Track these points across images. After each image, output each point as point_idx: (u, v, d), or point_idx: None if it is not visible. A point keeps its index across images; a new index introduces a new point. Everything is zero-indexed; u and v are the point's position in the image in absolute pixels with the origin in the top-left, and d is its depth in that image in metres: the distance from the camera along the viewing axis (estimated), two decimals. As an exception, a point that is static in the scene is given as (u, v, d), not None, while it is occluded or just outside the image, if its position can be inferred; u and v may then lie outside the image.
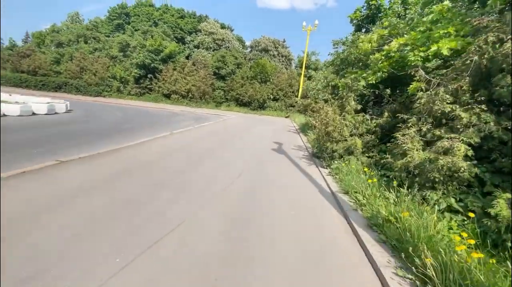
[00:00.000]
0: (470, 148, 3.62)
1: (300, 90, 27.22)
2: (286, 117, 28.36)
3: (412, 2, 11.96)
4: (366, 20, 13.35)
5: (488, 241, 2.86)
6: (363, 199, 4.23)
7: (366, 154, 6.29)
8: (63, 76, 33.15)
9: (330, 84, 10.48)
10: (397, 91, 6.77)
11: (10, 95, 15.16)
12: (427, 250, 2.39)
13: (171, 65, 31.96)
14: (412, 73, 4.81)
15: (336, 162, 6.40)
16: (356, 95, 7.40)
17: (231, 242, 3.03)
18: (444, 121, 4.27)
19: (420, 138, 4.30)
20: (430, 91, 4.41)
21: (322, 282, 2.50)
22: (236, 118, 21.90)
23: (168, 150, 7.47)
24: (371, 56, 6.49)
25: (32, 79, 32.19)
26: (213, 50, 37.19)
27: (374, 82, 6.41)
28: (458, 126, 3.83)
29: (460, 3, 6.77)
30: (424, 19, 6.40)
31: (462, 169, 3.40)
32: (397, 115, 5.33)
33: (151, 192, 4.22)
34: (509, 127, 3.58)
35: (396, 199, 3.93)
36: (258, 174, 5.99)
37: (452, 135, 3.66)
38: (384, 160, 4.90)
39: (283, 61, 40.11)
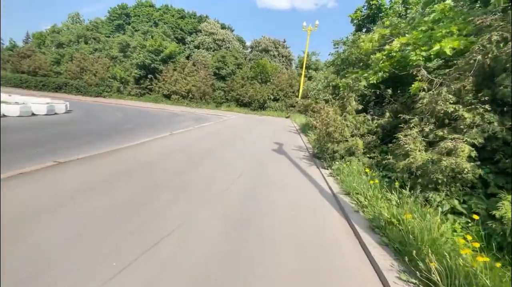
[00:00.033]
0: (473, 149, 3.57)
1: (301, 90, 27.18)
2: (287, 117, 28.30)
3: (413, 1, 11.90)
4: (367, 20, 13.30)
5: (493, 244, 2.80)
6: (365, 201, 4.18)
7: (368, 155, 6.23)
8: (63, 76, 33.14)
9: (330, 84, 10.42)
10: (398, 91, 6.71)
11: (10, 95, 15.13)
12: (432, 254, 2.33)
13: (171, 65, 31.92)
14: (414, 73, 4.76)
15: (337, 163, 6.34)
16: (357, 95, 7.34)
17: (231, 243, 3.01)
18: (446, 121, 4.21)
19: (423, 138, 4.25)
20: (433, 91, 4.35)
21: (323, 286, 2.44)
22: (237, 119, 21.85)
23: (168, 150, 7.43)
24: (372, 56, 6.43)
25: (32, 79, 32.18)
26: (213, 51, 37.16)
27: (375, 82, 6.35)
28: (462, 127, 3.78)
29: (462, 3, 6.72)
30: (426, 18, 6.35)
31: (466, 170, 3.34)
32: (399, 115, 5.28)
33: (151, 193, 4.19)
34: (513, 128, 3.52)
35: (398, 201, 3.88)
36: (258, 175, 5.93)
37: (456, 136, 3.60)
38: (386, 161, 4.84)
39: (283, 61, 40.08)
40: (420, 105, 4.41)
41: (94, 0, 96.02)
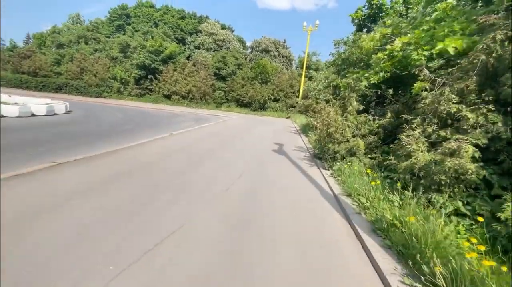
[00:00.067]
0: (477, 149, 3.51)
1: (301, 90, 27.14)
2: (287, 117, 28.24)
3: (414, 1, 11.85)
4: (368, 20, 13.24)
5: (498, 247, 2.74)
6: (367, 202, 4.12)
7: (369, 156, 6.18)
8: (63, 77, 33.17)
9: (331, 84, 10.37)
10: (400, 91, 6.65)
11: (10, 96, 15.11)
12: (436, 258, 2.27)
13: (171, 65, 31.91)
14: (416, 73, 4.70)
15: (338, 163, 6.28)
16: (358, 95, 7.29)
17: (232, 243, 3.00)
18: (449, 121, 4.16)
19: (425, 139, 4.19)
20: (435, 91, 4.30)
21: (325, 290, 2.39)
22: (237, 119, 21.81)
23: (168, 151, 7.39)
24: (373, 55, 6.38)
25: (32, 80, 32.21)
26: (213, 51, 37.14)
27: (376, 82, 6.29)
28: (465, 127, 3.72)
29: (463, 2, 6.66)
30: (427, 18, 6.30)
31: (470, 171, 3.28)
32: (400, 115, 5.22)
33: (151, 193, 4.17)
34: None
35: (401, 202, 3.82)
36: (258, 175, 5.89)
37: (459, 136, 3.54)
38: (388, 161, 4.78)
39: (283, 61, 40.04)
40: (423, 105, 4.35)
41: (95, 0, 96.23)
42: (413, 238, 2.85)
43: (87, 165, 5.28)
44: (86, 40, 37.28)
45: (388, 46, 5.79)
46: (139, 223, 3.20)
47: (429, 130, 4.10)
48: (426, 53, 4.99)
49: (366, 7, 13.69)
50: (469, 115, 3.65)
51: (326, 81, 12.97)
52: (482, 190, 3.60)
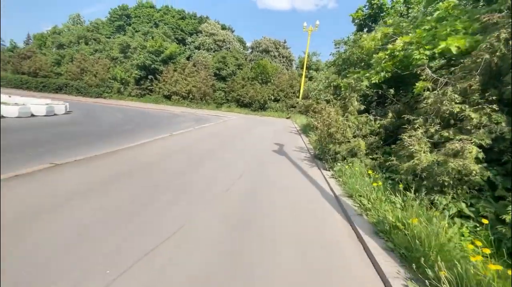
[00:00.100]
0: (481, 150, 3.46)
1: (301, 90, 27.09)
2: (287, 118, 28.19)
3: (414, 1, 11.80)
4: (368, 20, 13.19)
5: (504, 249, 2.69)
6: (368, 204, 4.06)
7: (370, 156, 6.12)
8: (63, 77, 33.15)
9: (332, 84, 10.31)
10: (401, 91, 6.60)
11: (10, 96, 15.07)
12: (441, 261, 2.21)
13: (171, 66, 31.88)
14: (418, 72, 4.65)
15: (339, 164, 6.23)
16: (359, 96, 7.23)
17: (232, 244, 2.99)
18: (452, 122, 4.10)
19: (427, 139, 4.13)
20: (437, 91, 4.24)
21: (327, 294, 2.34)
22: (237, 119, 21.76)
23: (168, 151, 7.35)
24: (374, 55, 6.32)
25: (32, 80, 32.20)
26: (213, 51, 37.11)
27: (377, 81, 6.24)
28: (468, 127, 3.66)
29: (465, 1, 6.61)
30: (429, 18, 6.24)
31: (474, 172, 3.22)
32: (402, 115, 5.16)
33: (151, 194, 4.15)
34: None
35: (403, 204, 3.77)
36: (259, 176, 5.84)
37: (463, 137, 3.49)
38: (389, 162, 4.72)
39: (284, 62, 40.00)
40: (425, 105, 4.30)
41: (95, 1, 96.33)
42: (416, 241, 2.79)
43: (87, 166, 5.24)
44: (86, 41, 37.27)
45: (390, 46, 5.74)
46: (139, 223, 3.19)
47: (432, 130, 4.04)
48: (428, 52, 4.94)
49: (366, 7, 13.65)
50: (473, 115, 3.59)
51: (327, 81, 12.92)
52: (486, 191, 3.54)
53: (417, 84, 4.60)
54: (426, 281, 2.26)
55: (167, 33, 36.51)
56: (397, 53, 5.69)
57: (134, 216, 3.34)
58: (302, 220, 3.80)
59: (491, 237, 2.88)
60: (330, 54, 25.51)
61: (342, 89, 7.81)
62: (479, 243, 2.50)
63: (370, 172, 5.14)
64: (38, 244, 2.57)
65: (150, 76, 31.81)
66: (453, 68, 4.30)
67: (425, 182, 3.84)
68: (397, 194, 3.99)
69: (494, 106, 3.62)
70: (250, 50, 41.91)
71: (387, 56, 5.93)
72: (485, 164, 3.51)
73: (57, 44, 38.17)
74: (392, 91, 6.31)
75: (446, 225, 2.90)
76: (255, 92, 30.33)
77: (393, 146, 5.12)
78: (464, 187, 3.51)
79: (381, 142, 6.19)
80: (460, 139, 3.48)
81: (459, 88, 3.94)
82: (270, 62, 34.84)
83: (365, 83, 6.58)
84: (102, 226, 3.03)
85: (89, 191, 4.02)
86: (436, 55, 4.96)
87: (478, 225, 3.19)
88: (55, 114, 13.32)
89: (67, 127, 10.46)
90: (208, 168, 6.10)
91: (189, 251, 2.73)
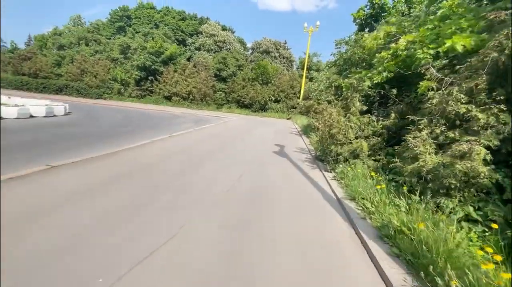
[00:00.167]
0: (488, 151, 3.34)
1: (302, 91, 26.99)
2: (288, 118, 28.08)
3: (416, 0, 11.70)
4: (370, 19, 13.09)
5: (515, 256, 2.57)
6: (372, 207, 3.94)
7: (373, 157, 6.00)
8: (64, 78, 33.11)
9: (333, 84, 10.21)
10: (403, 91, 6.49)
11: (10, 97, 15.01)
12: (451, 270, 2.10)
13: (172, 67, 31.81)
14: (422, 71, 4.54)
15: (341, 165, 6.11)
16: (361, 96, 7.12)
17: (232, 245, 2.96)
18: (458, 122, 3.99)
19: (432, 141, 4.02)
20: (442, 91, 4.13)
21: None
22: (237, 120, 21.67)
23: (167, 152, 7.27)
24: (376, 54, 6.21)
25: (33, 81, 32.17)
26: (214, 52, 37.07)
27: (380, 81, 6.13)
28: (475, 128, 3.55)
29: (467, 0, 6.50)
30: (432, 17, 6.13)
31: (483, 174, 3.11)
32: (405, 116, 5.05)
33: (149, 196, 4.08)
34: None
35: (407, 207, 3.65)
36: (259, 177, 5.74)
37: (471, 138, 3.37)
38: (393, 164, 4.60)
39: (284, 62, 39.93)
40: (430, 105, 4.18)
41: (96, 2, 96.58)
42: (423, 246, 2.67)
43: (84, 168, 5.15)
44: (86, 42, 37.26)
45: (392, 45, 5.63)
46: (139, 224, 3.17)
47: (437, 131, 3.93)
48: (432, 51, 4.82)
49: (368, 7, 13.56)
50: (480, 115, 3.48)
51: (328, 81, 12.81)
52: (494, 194, 3.42)
53: (421, 83, 4.48)
54: (435, 290, 2.15)
55: (167, 34, 36.48)
56: (400, 52, 5.58)
57: (134, 217, 3.32)
58: (303, 223, 3.71)
59: (501, 243, 2.76)
60: (331, 54, 25.43)
61: (344, 89, 7.71)
62: (489, 250, 2.39)
63: (373, 174, 5.02)
64: (36, 246, 2.53)
65: (150, 77, 31.75)
66: (458, 67, 4.18)
67: (430, 185, 3.73)
68: (401, 197, 3.88)
69: (502, 106, 3.51)
70: (250, 51, 41.87)
71: (389, 56, 5.82)
72: (493, 166, 3.39)
73: (57, 45, 38.18)
74: (394, 91, 6.20)
75: (454, 230, 2.78)
76: (255, 93, 30.24)
77: (396, 147, 5.01)
78: (472, 190, 3.39)
79: (384, 143, 6.08)
80: (468, 140, 3.37)
81: (464, 87, 3.83)
82: (271, 63, 34.77)
83: (367, 83, 6.46)
84: (102, 226, 3.01)
85: (87, 193, 3.95)
86: (441, 54, 4.84)
87: (486, 229, 3.08)
88: (54, 115, 13.24)
89: (66, 128, 10.37)
90: (208, 169, 6.02)
91: (189, 252, 2.72)
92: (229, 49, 37.88)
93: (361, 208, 4.12)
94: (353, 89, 7.02)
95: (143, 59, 30.67)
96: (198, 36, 39.25)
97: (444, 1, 5.78)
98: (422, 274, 2.31)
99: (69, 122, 12.11)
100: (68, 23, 45.67)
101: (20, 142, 7.18)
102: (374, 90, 7.10)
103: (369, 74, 6.49)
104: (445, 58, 5.55)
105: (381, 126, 6.24)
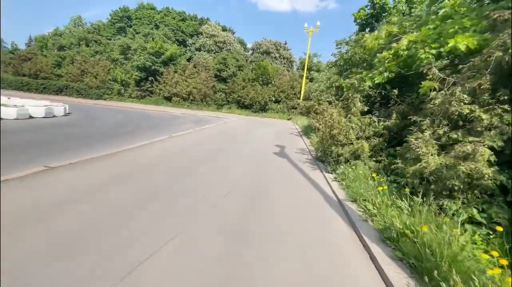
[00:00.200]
0: (492, 152, 3.29)
1: (302, 92, 26.94)
2: (288, 119, 28.02)
3: (417, 0, 11.65)
4: (371, 19, 13.04)
5: (521, 259, 2.51)
6: (373, 209, 3.89)
7: (374, 158, 5.94)
8: (64, 79, 33.09)
9: (333, 85, 10.15)
10: (404, 91, 6.43)
11: (9, 98, 14.97)
12: (456, 274, 2.04)
13: (172, 67, 31.77)
14: (424, 71, 4.48)
15: (341, 166, 6.05)
16: (362, 96, 7.06)
17: (232, 246, 2.94)
18: (460, 123, 3.93)
19: (435, 142, 3.96)
20: (445, 91, 4.07)
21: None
22: (238, 121, 21.62)
23: (167, 153, 7.23)
24: (378, 54, 6.15)
25: (33, 82, 32.14)
26: (214, 53, 37.04)
27: (381, 82, 6.07)
28: (478, 128, 3.49)
29: (469, 0, 6.44)
30: (433, 17, 6.08)
31: (487, 176, 3.05)
32: (407, 117, 4.99)
33: (150, 196, 4.06)
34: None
35: (410, 209, 3.59)
36: (259, 178, 5.68)
37: (475, 139, 3.31)
38: (395, 165, 4.54)
39: (284, 63, 39.89)
40: (432, 105, 4.12)
41: (97, 3, 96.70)
42: (427, 250, 2.62)
43: (82, 169, 5.10)
44: (87, 42, 37.24)
45: (394, 45, 5.57)
46: (138, 226, 3.15)
47: (440, 132, 3.87)
48: (434, 51, 4.76)
49: (368, 7, 13.51)
50: (483, 116, 3.42)
51: (328, 82, 12.76)
52: (498, 196, 3.37)
53: (423, 83, 4.42)
54: (440, 296, 2.09)
55: (167, 34, 36.46)
56: (401, 52, 5.52)
57: (132, 219, 3.30)
58: (304, 225, 3.66)
59: (507, 246, 2.70)
60: (331, 55, 25.38)
61: (345, 89, 7.64)
62: (495, 253, 2.33)
63: (374, 175, 4.96)
64: (33, 249, 2.50)
65: (150, 78, 31.71)
66: (461, 66, 4.12)
67: (433, 186, 3.67)
68: (404, 199, 3.82)
69: (506, 106, 3.45)
70: (250, 52, 41.84)
71: (391, 56, 5.76)
72: (496, 167, 3.34)
73: (58, 46, 38.17)
74: (395, 91, 6.15)
75: (459, 233, 2.72)
76: (255, 93, 30.19)
77: (398, 148, 4.95)
78: (475, 191, 3.33)
79: (385, 144, 6.02)
80: (471, 141, 3.31)
81: (467, 88, 3.77)
82: (271, 64, 34.72)
83: (368, 83, 6.40)
84: (102, 227, 3.02)
85: (85, 194, 3.91)
86: (443, 54, 4.78)
87: (491, 232, 3.02)
88: (54, 116, 13.20)
89: (65, 129, 10.32)
90: (208, 170, 5.97)
91: (189, 252, 2.72)
92: (229, 49, 37.85)
93: (363, 210, 4.06)
94: (354, 89, 6.96)
95: (143, 59, 30.64)
96: (198, 37, 39.23)
97: (446, 1, 5.72)
98: (426, 278, 2.25)
99: (68, 123, 12.07)
100: (68, 23, 45.65)
101: (18, 142, 7.13)
102: (375, 91, 7.03)
103: (370, 74, 6.43)
104: (447, 58, 5.50)
105: (382, 126, 6.18)
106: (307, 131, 14.51)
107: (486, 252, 2.68)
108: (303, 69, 30.17)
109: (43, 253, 2.46)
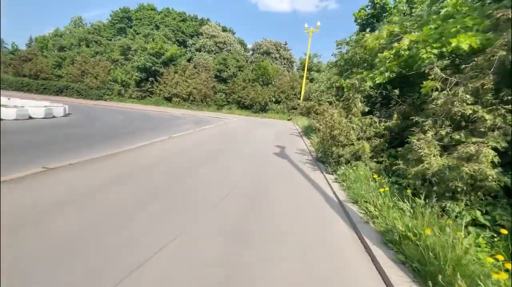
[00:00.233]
0: (496, 153, 3.23)
1: (303, 92, 26.90)
2: (288, 119, 27.98)
3: (417, 0, 11.61)
4: (371, 19, 13.00)
5: (526, 263, 2.45)
6: (375, 210, 3.83)
7: (375, 159, 5.89)
8: (64, 79, 33.11)
9: (334, 85, 10.10)
10: (405, 91, 6.38)
11: (9, 99, 14.96)
12: (461, 279, 1.99)
13: (172, 68, 31.78)
14: (426, 71, 4.44)
15: (342, 167, 6.00)
16: (363, 97, 7.01)
17: (231, 246, 2.93)
18: (463, 123, 3.88)
19: (437, 142, 3.91)
20: (447, 91, 4.02)
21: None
22: (238, 121, 21.59)
23: (167, 154, 7.19)
24: (379, 54, 6.11)
25: (33, 83, 32.16)
26: (214, 53, 37.03)
27: (382, 82, 6.02)
28: (481, 129, 3.44)
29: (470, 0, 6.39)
30: (434, 16, 6.03)
31: (491, 177, 3.00)
32: (409, 117, 4.94)
33: (145, 199, 3.97)
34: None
35: (412, 211, 3.54)
36: (259, 179, 5.64)
37: (479, 140, 3.26)
38: (396, 166, 4.49)
39: (285, 63, 39.87)
40: (434, 106, 4.07)
41: (97, 3, 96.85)
42: (430, 253, 2.56)
43: (82, 170, 5.06)
44: (87, 43, 37.27)
45: (395, 45, 5.52)
46: (138, 226, 3.12)
47: (442, 133, 3.82)
48: (435, 51, 4.71)
49: (369, 7, 13.47)
50: (487, 116, 3.37)
51: (329, 82, 12.71)
52: (502, 198, 3.31)
53: (425, 83, 4.37)
54: (445, 301, 2.04)
55: (168, 35, 36.47)
56: (403, 52, 5.47)
57: (132, 220, 3.28)
58: (304, 225, 3.63)
59: (512, 249, 2.65)
60: (332, 55, 25.34)
61: (345, 90, 7.60)
62: (500, 257, 2.28)
63: (375, 176, 4.91)
64: (28, 250, 2.46)
65: (150, 78, 31.72)
66: (463, 66, 4.07)
67: (435, 188, 3.62)
68: (405, 200, 3.77)
69: (509, 107, 3.40)
70: (251, 52, 41.84)
71: (392, 56, 5.71)
72: (500, 169, 3.29)
73: (58, 47, 38.21)
74: (397, 91, 6.10)
75: (462, 236, 2.66)
76: (256, 94, 30.16)
77: (399, 149, 4.91)
78: (479, 193, 3.28)
79: (386, 145, 5.97)
80: (474, 142, 3.26)
81: (470, 88, 3.72)
82: (271, 64, 34.71)
83: (369, 83, 6.35)
84: (102, 227, 3.00)
85: (83, 196, 3.86)
86: (445, 53, 4.73)
87: (495, 235, 2.96)
88: (53, 117, 13.17)
89: (65, 130, 10.30)
90: (208, 170, 5.93)
91: (189, 252, 2.71)
92: (230, 50, 37.85)
93: (364, 212, 4.01)
94: (354, 89, 6.91)
95: (144, 60, 30.65)
96: (198, 37, 39.24)
97: (448, 0, 5.67)
98: (430, 283, 2.20)
99: (68, 123, 12.04)
100: (69, 24, 45.73)
101: (18, 143, 7.10)
102: (376, 91, 6.98)
103: (371, 75, 6.38)
104: (448, 58, 5.44)
105: (383, 127, 6.13)
106: (307, 131, 14.47)
107: (491, 255, 2.63)
108: (303, 70, 30.13)
109: (43, 254, 2.43)
